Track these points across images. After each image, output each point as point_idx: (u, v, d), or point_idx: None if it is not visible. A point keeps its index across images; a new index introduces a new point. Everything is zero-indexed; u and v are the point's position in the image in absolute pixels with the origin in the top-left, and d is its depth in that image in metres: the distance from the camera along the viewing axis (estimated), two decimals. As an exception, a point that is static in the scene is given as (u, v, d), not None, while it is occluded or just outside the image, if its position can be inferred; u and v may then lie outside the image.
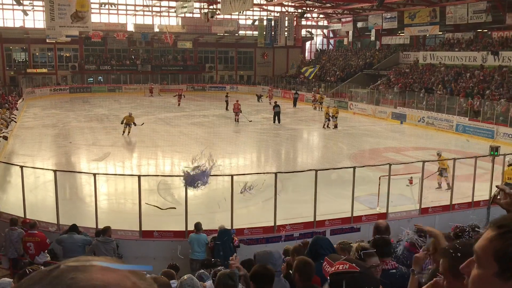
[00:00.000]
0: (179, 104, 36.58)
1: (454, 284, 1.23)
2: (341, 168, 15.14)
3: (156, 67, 50.10)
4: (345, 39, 53.07)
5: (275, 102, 29.86)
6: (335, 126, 27.00)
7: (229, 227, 9.92)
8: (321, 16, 53.07)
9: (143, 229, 10.24)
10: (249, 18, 52.65)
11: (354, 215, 11.05)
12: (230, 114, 30.74)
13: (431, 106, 29.56)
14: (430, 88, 32.05)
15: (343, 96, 38.05)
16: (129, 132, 23.37)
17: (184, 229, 10.10)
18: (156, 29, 49.34)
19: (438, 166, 14.49)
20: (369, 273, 1.82)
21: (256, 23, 48.31)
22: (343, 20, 50.66)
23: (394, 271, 4.04)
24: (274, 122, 28.48)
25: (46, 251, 8.99)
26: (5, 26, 44.48)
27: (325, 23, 55.81)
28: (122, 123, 23.57)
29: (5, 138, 20.79)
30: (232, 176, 10.63)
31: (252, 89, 48.57)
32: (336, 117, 27.18)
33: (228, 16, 50.48)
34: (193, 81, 51.12)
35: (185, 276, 4.68)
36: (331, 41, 57.17)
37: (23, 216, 10.28)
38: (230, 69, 54.69)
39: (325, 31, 56.99)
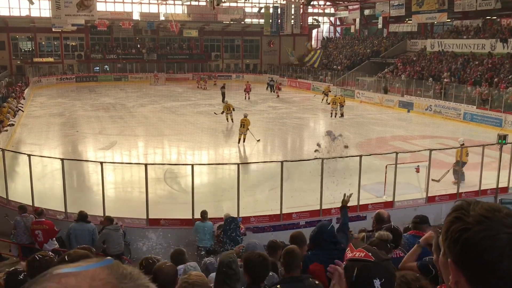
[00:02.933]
0: (201, 87, 42.45)
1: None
2: (348, 156, 15.10)
3: (162, 55, 50.00)
4: (352, 27, 52.62)
5: (223, 84, 33.62)
6: (342, 115, 26.93)
7: (235, 215, 9.96)
8: (328, 3, 52.63)
9: (150, 217, 10.32)
10: (255, 6, 52.33)
11: (360, 203, 11.06)
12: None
13: (439, 94, 29.35)
14: (437, 76, 31.80)
15: (350, 85, 37.84)
16: (232, 119, 23.34)
17: (191, 217, 10.16)
18: (162, 18, 49.18)
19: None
20: (384, 265, 1.83)
21: (262, 11, 47.98)
22: (350, 7, 50.22)
23: (399, 259, 4.06)
24: (222, 101, 31.07)
25: (55, 238, 9.04)
26: (11, 15, 44.51)
27: (332, 10, 55.35)
28: (222, 113, 23.85)
29: (11, 125, 20.97)
30: (238, 164, 10.67)
31: (258, 77, 48.39)
32: (343, 106, 27.11)
33: (234, 4, 50.22)
34: (199, 69, 51.03)
35: (191, 263, 4.72)
36: (338, 29, 56.74)
37: (31, 204, 10.38)
38: (236, 57, 54.46)
39: (332, 18, 56.53)
